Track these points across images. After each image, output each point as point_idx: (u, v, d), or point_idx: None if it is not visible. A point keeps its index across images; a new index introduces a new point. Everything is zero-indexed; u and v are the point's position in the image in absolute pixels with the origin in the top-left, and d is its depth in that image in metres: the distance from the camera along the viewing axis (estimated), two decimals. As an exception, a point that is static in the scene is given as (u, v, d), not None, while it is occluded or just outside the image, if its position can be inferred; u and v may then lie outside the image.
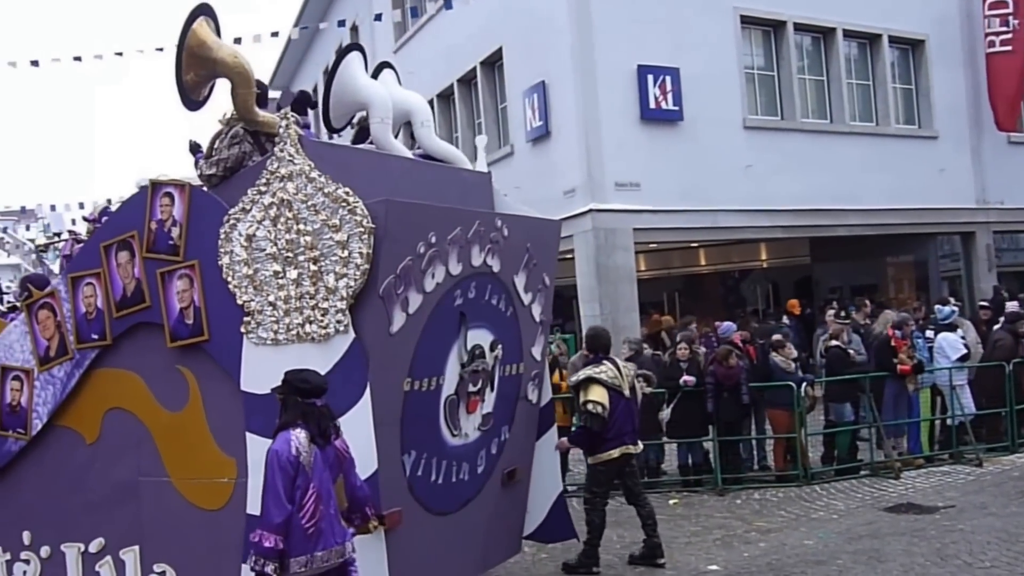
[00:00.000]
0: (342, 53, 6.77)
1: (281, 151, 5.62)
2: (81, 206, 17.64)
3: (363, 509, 5.18)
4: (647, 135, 16.20)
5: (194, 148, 6.39)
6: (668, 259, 19.61)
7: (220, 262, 5.75)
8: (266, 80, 33.65)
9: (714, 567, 7.89)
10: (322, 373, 5.47)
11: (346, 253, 5.43)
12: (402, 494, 5.97)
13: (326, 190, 5.48)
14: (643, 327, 16.29)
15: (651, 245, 17.72)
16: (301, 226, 5.52)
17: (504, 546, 7.51)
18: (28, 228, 9.00)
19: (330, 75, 6.70)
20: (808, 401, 11.13)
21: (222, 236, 5.74)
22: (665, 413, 10.97)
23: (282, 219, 5.57)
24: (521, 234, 6.92)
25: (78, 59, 13.71)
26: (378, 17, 17.39)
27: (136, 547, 6.29)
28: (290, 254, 5.55)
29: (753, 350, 12.20)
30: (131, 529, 6.30)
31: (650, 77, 16.10)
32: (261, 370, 5.65)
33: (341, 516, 5.07)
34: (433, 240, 5.87)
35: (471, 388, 6.52)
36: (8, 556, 6.83)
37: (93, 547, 6.46)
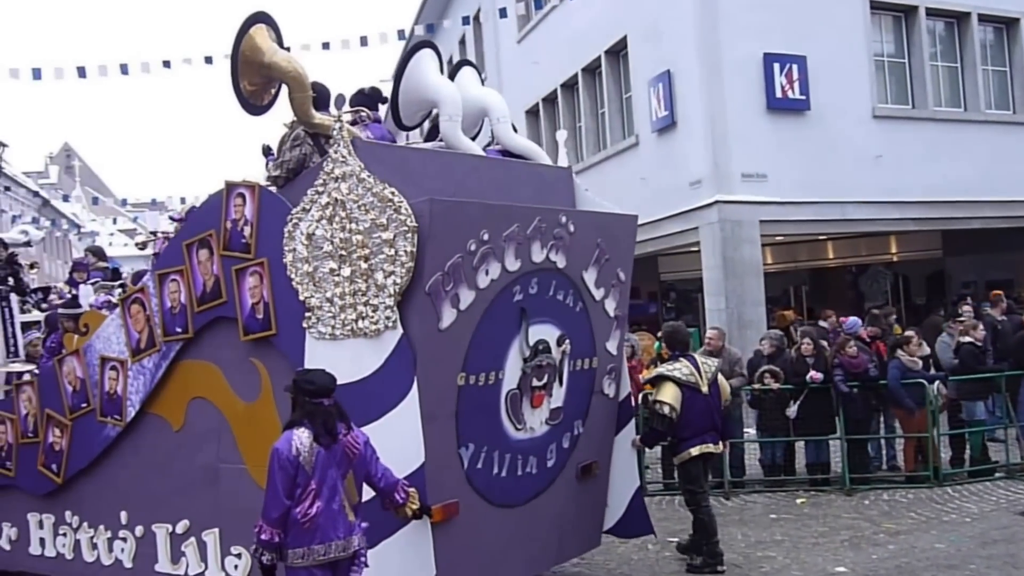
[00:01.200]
0: (411, 51, 6.88)
1: (335, 153, 5.79)
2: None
3: (392, 495, 5.28)
4: (773, 125, 15.90)
5: (266, 151, 6.67)
6: (794, 252, 19.05)
7: (284, 259, 5.98)
8: (388, 75, 34.51)
9: (842, 568, 7.71)
10: (374, 368, 5.66)
11: (393, 251, 5.56)
12: (460, 486, 6.07)
13: (374, 190, 5.62)
14: (771, 321, 15.91)
15: (777, 238, 17.31)
16: (353, 225, 5.69)
17: (581, 539, 7.51)
18: (172, 218, 9.80)
19: (398, 73, 6.82)
20: (942, 400, 10.72)
21: (286, 235, 5.97)
22: (792, 410, 10.73)
23: (337, 218, 5.75)
24: (590, 230, 6.89)
25: (209, 60, 14.45)
26: (503, 12, 17.58)
27: (216, 530, 6.65)
28: (344, 252, 5.72)
29: (883, 347, 11.73)
30: (212, 512, 6.66)
31: (776, 65, 15.81)
32: (321, 364, 5.80)
33: (354, 510, 5.18)
34: (486, 237, 5.92)
35: (535, 383, 6.55)
36: (109, 534, 7.34)
37: (179, 528, 6.87)
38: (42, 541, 7.86)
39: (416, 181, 6.07)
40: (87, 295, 9.36)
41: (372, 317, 5.66)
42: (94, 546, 7.45)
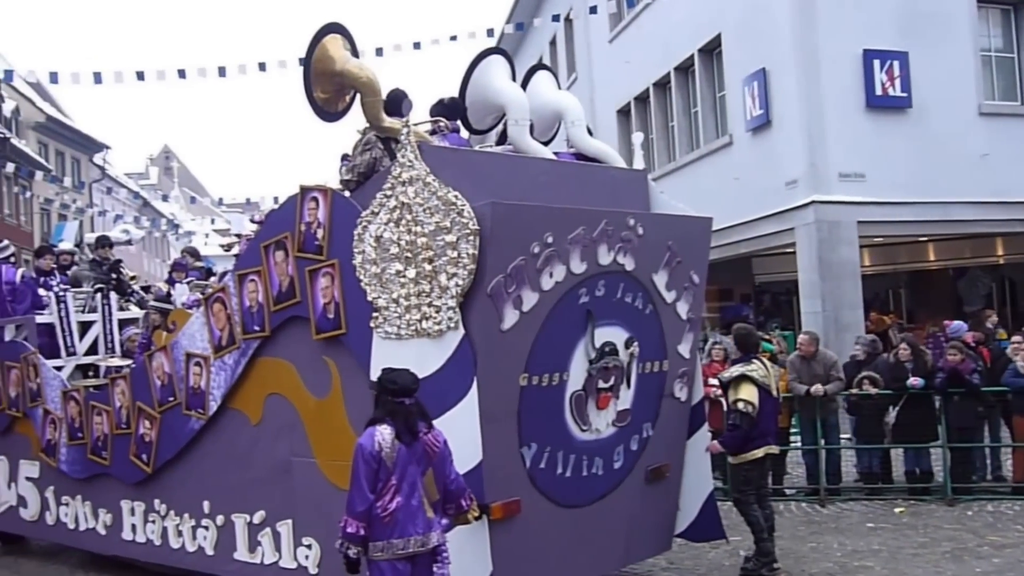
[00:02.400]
0: (479, 57, 6.97)
1: (402, 157, 5.92)
2: None
3: (458, 501, 5.36)
4: (873, 123, 15.56)
5: (344, 157, 6.86)
6: (894, 254, 18.50)
7: (354, 261, 6.14)
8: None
9: (943, 581, 7.54)
10: (436, 367, 5.77)
11: (456, 253, 5.66)
12: (522, 485, 6.14)
13: (439, 194, 5.72)
14: (868, 324, 15.51)
15: (876, 239, 16.86)
16: (418, 228, 5.80)
17: (651, 542, 7.50)
18: (252, 220, 10.07)
19: (465, 78, 6.92)
20: None
21: (356, 237, 6.12)
22: (891, 416, 10.51)
23: (403, 221, 5.87)
24: (661, 232, 6.86)
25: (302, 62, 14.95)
26: (593, 10, 17.58)
27: (290, 521, 6.88)
28: (410, 254, 5.84)
29: (988, 352, 11.34)
30: (286, 504, 6.89)
31: (876, 62, 15.47)
32: (387, 363, 5.92)
33: (433, 507, 5.27)
34: (550, 240, 5.97)
35: (601, 384, 6.56)
36: (193, 522, 7.66)
37: (256, 519, 7.14)
38: (133, 527, 8.25)
39: (484, 184, 6.15)
40: (182, 293, 9.77)
41: (435, 318, 5.77)
42: (179, 533, 7.78)
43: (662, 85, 20.58)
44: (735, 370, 7.97)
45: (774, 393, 7.81)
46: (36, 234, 35.83)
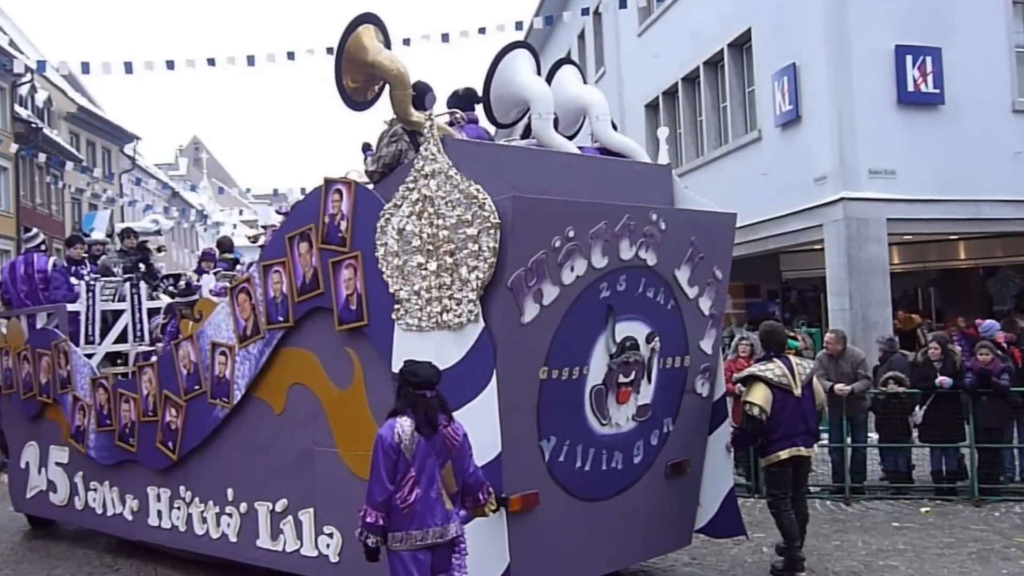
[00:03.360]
0: (504, 51, 6.99)
1: (425, 150, 5.95)
2: None
3: (476, 494, 5.40)
4: (904, 119, 15.43)
5: (365, 148, 6.90)
6: (923, 252, 18.29)
7: (376, 253, 6.19)
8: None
9: (968, 582, 7.47)
10: (456, 360, 5.80)
11: (477, 247, 5.69)
12: (541, 477, 6.17)
13: (461, 187, 5.75)
14: (896, 323, 15.39)
15: (905, 237, 16.69)
16: (440, 221, 5.84)
17: (671, 537, 7.49)
18: (278, 211, 10.14)
19: (489, 72, 6.94)
20: None
21: (378, 229, 6.17)
22: (917, 415, 10.46)
23: (425, 214, 5.91)
24: (684, 228, 6.85)
25: (332, 51, 15.03)
26: (622, 3, 17.51)
27: (311, 509, 6.95)
28: (431, 247, 5.88)
29: (1019, 353, 11.26)
30: (307, 493, 6.97)
31: (909, 58, 15.32)
32: (408, 354, 5.98)
33: (452, 499, 5.32)
34: (571, 234, 5.98)
35: (622, 379, 6.57)
36: (217, 509, 7.76)
37: (279, 507, 7.21)
38: (159, 513, 8.37)
39: (507, 178, 6.18)
40: (208, 283, 9.89)
41: (456, 310, 5.81)
42: (204, 520, 7.89)
43: (691, 80, 20.46)
44: (748, 369, 7.96)
45: (796, 392, 7.58)
46: (67, 223, 36.20)
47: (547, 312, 5.99)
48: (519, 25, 16.21)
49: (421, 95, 6.36)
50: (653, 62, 21.36)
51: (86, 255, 11.16)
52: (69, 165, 27.23)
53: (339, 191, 6.55)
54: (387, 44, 6.53)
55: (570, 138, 7.78)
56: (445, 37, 15.69)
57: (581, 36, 27.76)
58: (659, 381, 6.91)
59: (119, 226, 12.89)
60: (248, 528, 7.48)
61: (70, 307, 9.71)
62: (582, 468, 6.47)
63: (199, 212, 38.77)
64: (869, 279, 15.14)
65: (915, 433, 10.68)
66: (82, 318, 9.57)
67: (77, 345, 9.52)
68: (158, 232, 13.74)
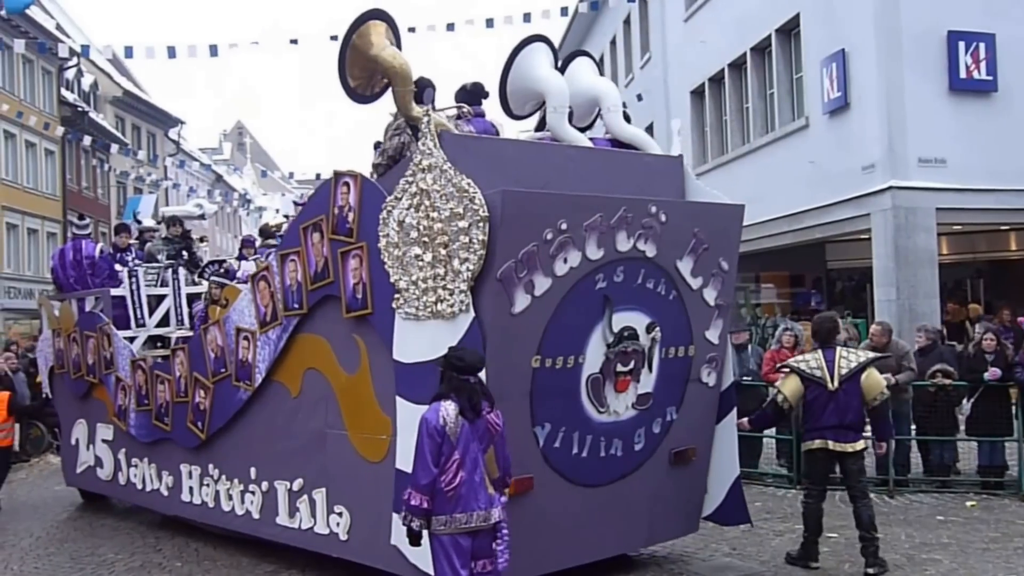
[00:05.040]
0: (520, 45, 7.15)
1: (423, 145, 6.16)
2: None
3: (504, 479, 5.56)
4: (956, 107, 15.18)
5: (377, 144, 7.13)
6: (973, 242, 17.93)
7: (379, 244, 6.43)
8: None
9: (1013, 577, 7.32)
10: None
11: (468, 239, 5.88)
12: (535, 463, 6.37)
13: (454, 181, 5.95)
14: (945, 315, 15.15)
15: (955, 227, 16.41)
16: (435, 214, 6.05)
17: (677, 523, 7.62)
18: (295, 202, 10.56)
19: (506, 66, 7.10)
20: None
21: (381, 221, 6.40)
22: (965, 408, 10.32)
23: (422, 207, 6.12)
24: (685, 220, 6.94)
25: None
26: (669, -12, 17.45)
27: (324, 489, 7.25)
28: (427, 239, 6.10)
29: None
30: (320, 473, 7.27)
31: (961, 44, 15.06)
32: (407, 342, 6.32)
33: (494, 484, 5.44)
34: (564, 227, 6.14)
35: (620, 368, 6.71)
36: (241, 487, 8.12)
37: (295, 486, 7.53)
38: (191, 490, 8.78)
39: (508, 171, 6.37)
40: (249, 269, 10.25)
41: (449, 300, 6.02)
42: (230, 497, 8.26)
43: (738, 66, 20.26)
44: (789, 360, 8.03)
45: (831, 386, 7.36)
46: (112, 207, 37.15)
47: (539, 302, 6.15)
48: (564, 11, 16.15)
49: (421, 90, 6.55)
50: (699, 48, 21.21)
51: (136, 241, 11.65)
52: (114, 148, 27.50)
53: (347, 183, 6.80)
54: (397, 40, 6.74)
55: (583, 130, 7.93)
56: (490, 23, 15.67)
57: (627, 21, 27.60)
58: (661, 370, 7.03)
59: (164, 210, 13.34)
60: (269, 506, 7.81)
61: (114, 292, 10.19)
62: (579, 455, 6.64)
63: (242, 196, 39.23)
64: (917, 269, 14.93)
65: (962, 427, 10.49)
66: (129, 302, 10.01)
67: (128, 328, 9.98)
68: (202, 216, 14.10)
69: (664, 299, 6.96)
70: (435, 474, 5.18)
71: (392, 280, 6.35)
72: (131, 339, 10.01)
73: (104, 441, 10.16)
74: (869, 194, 15.37)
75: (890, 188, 14.97)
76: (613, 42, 29.86)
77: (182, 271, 10.39)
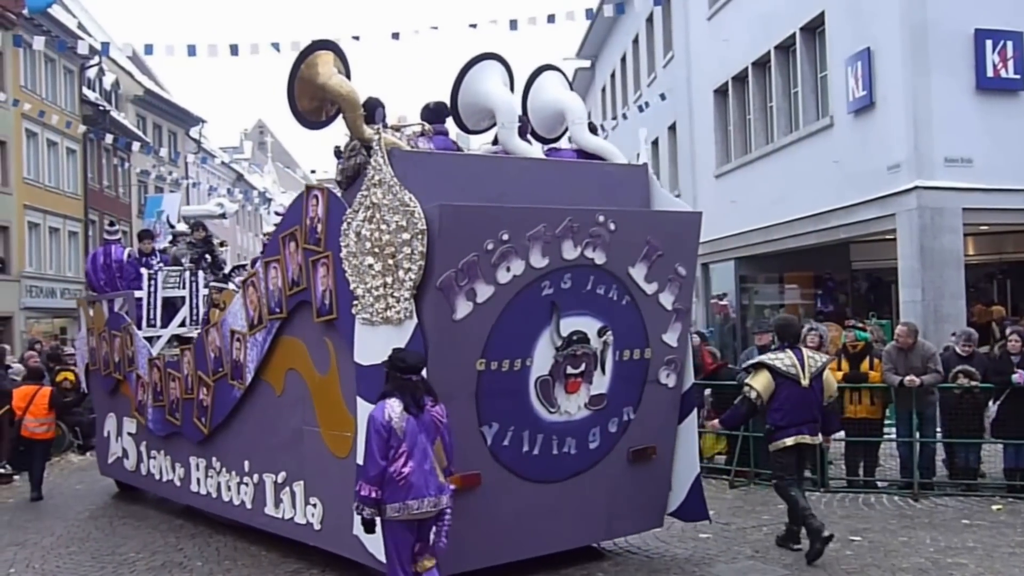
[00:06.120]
0: (470, 64, 7.56)
1: (374, 161, 6.62)
2: None
3: (448, 468, 6.04)
4: (983, 106, 14.94)
5: (337, 153, 7.56)
6: (1000, 243, 17.60)
7: (341, 253, 6.90)
8: (573, 52, 34.09)
9: (1041, 581, 7.34)
10: (399, 352, 6.45)
11: (410, 250, 6.33)
12: (484, 460, 6.79)
13: (399, 195, 6.39)
14: (971, 316, 15.02)
15: (982, 227, 16.16)
16: (384, 226, 6.49)
17: (638, 519, 7.94)
18: (276, 212, 10.86)
19: (455, 84, 7.53)
20: None
21: (342, 232, 6.88)
22: (991, 410, 10.25)
23: (375, 219, 6.58)
24: (636, 228, 7.25)
25: (396, 36, 15.34)
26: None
27: (302, 482, 7.79)
28: (378, 249, 6.55)
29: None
30: (299, 467, 7.81)
31: (989, 42, 14.82)
32: (365, 345, 6.79)
33: (444, 473, 5.92)
34: (506, 237, 6.53)
35: (570, 370, 7.07)
36: (238, 479, 8.70)
37: (280, 478, 8.09)
38: (198, 481, 9.41)
39: (460, 185, 6.80)
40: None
41: (396, 307, 6.47)
42: (229, 488, 8.85)
43: (761, 64, 20.10)
44: (759, 357, 8.30)
45: (803, 383, 7.83)
46: (133, 205, 37.48)
47: (482, 309, 6.55)
48: (589, 12, 16.03)
49: (371, 111, 7.00)
50: (723, 46, 21.13)
51: (170, 244, 12.35)
52: (136, 147, 27.47)
53: (316, 196, 7.31)
54: (346, 68, 7.21)
55: (552, 141, 8.31)
56: (513, 24, 15.59)
57: (649, 20, 27.52)
58: (616, 372, 7.36)
59: (184, 210, 13.82)
60: (259, 496, 8.38)
61: (137, 294, 10.90)
62: (530, 452, 7.02)
63: (262, 195, 39.41)
64: (943, 270, 14.77)
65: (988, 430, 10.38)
66: (144, 304, 10.71)
67: (141, 329, 10.70)
68: (223, 215, 14.52)
69: (617, 304, 7.28)
70: (383, 466, 5.66)
71: (352, 287, 6.81)
72: (155, 339, 10.70)
73: (129, 434, 10.88)
74: (894, 194, 15.26)
75: (916, 188, 14.83)
76: (636, 41, 29.81)
77: (201, 274, 11.04)
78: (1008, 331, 10.86)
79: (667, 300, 7.58)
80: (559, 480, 7.25)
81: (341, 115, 7.04)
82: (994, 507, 9.54)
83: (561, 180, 7.41)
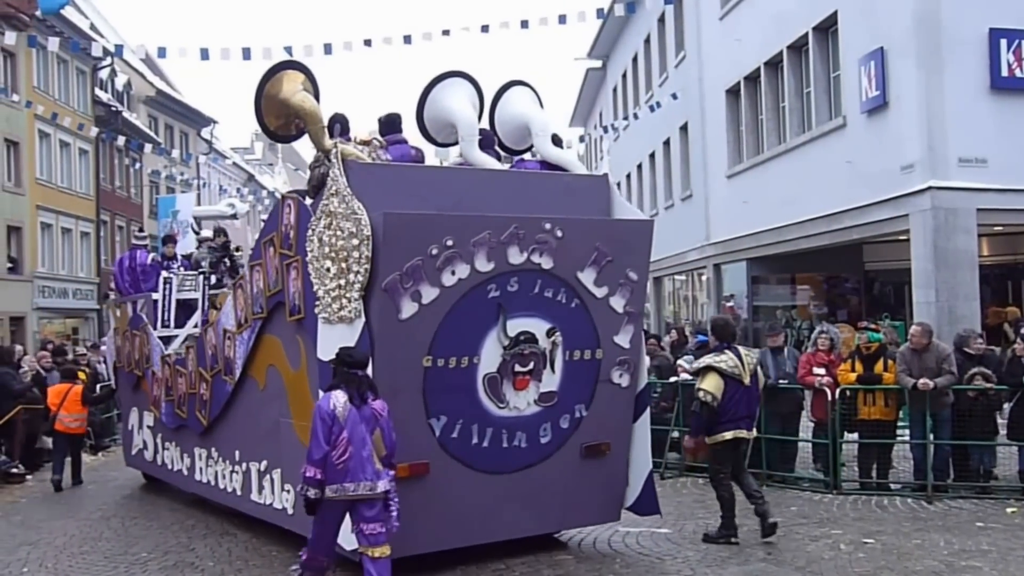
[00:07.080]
0: (434, 82, 8.08)
1: (332, 173, 7.17)
2: None
3: (389, 457, 6.57)
4: (997, 106, 15.00)
5: (311, 165, 8.16)
6: (1015, 244, 17.45)
7: (307, 257, 7.48)
8: (585, 52, 33.84)
9: (1056, 585, 7.30)
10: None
11: (359, 255, 6.87)
12: (432, 450, 7.29)
13: (350, 204, 6.94)
14: (985, 318, 15.02)
15: (996, 228, 16.13)
16: (339, 232, 7.05)
17: (593, 511, 8.31)
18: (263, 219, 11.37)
19: (420, 101, 8.05)
20: None
21: (307, 237, 7.46)
22: (1005, 412, 10.32)
23: (332, 226, 7.14)
24: (584, 235, 7.67)
25: (407, 40, 15.62)
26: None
27: (279, 470, 8.40)
28: (334, 254, 7.11)
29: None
30: (277, 456, 8.42)
31: (1003, 41, 14.90)
32: (327, 342, 7.33)
33: (382, 462, 6.48)
34: (450, 243, 7.02)
35: (518, 368, 7.53)
36: (231, 468, 9.34)
37: (262, 467, 8.71)
38: (201, 470, 10.08)
39: (416, 194, 7.32)
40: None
41: (348, 307, 7.02)
42: (224, 476, 9.51)
43: (774, 64, 20.18)
44: (703, 360, 8.62)
45: (746, 381, 8.27)
46: (145, 206, 37.86)
47: (428, 309, 7.06)
48: (601, 12, 16.12)
49: (331, 125, 7.56)
50: (735, 46, 21.21)
51: (176, 252, 13.03)
52: (148, 147, 27.63)
53: (289, 204, 7.90)
54: (314, 85, 7.78)
55: (519, 153, 8.78)
56: (524, 24, 15.70)
57: (661, 20, 27.62)
58: (567, 371, 7.79)
59: (195, 210, 14.31)
60: (247, 484, 9.01)
61: (155, 296, 11.65)
62: (479, 444, 7.48)
63: (272, 195, 39.53)
64: (956, 271, 14.81)
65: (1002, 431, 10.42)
66: (159, 305, 11.45)
67: (157, 329, 11.45)
68: (234, 216, 15.11)
69: (565, 307, 7.71)
70: (326, 450, 6.31)
71: (314, 289, 7.38)
72: (171, 338, 11.44)
73: (148, 427, 11.63)
74: (908, 194, 15.33)
75: (929, 188, 14.89)
76: (647, 40, 29.94)
77: (213, 277, 11.76)
78: (1020, 334, 10.85)
79: (618, 303, 7.97)
80: (510, 472, 7.68)
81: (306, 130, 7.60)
82: (1009, 510, 9.51)
83: (520, 190, 7.87)
